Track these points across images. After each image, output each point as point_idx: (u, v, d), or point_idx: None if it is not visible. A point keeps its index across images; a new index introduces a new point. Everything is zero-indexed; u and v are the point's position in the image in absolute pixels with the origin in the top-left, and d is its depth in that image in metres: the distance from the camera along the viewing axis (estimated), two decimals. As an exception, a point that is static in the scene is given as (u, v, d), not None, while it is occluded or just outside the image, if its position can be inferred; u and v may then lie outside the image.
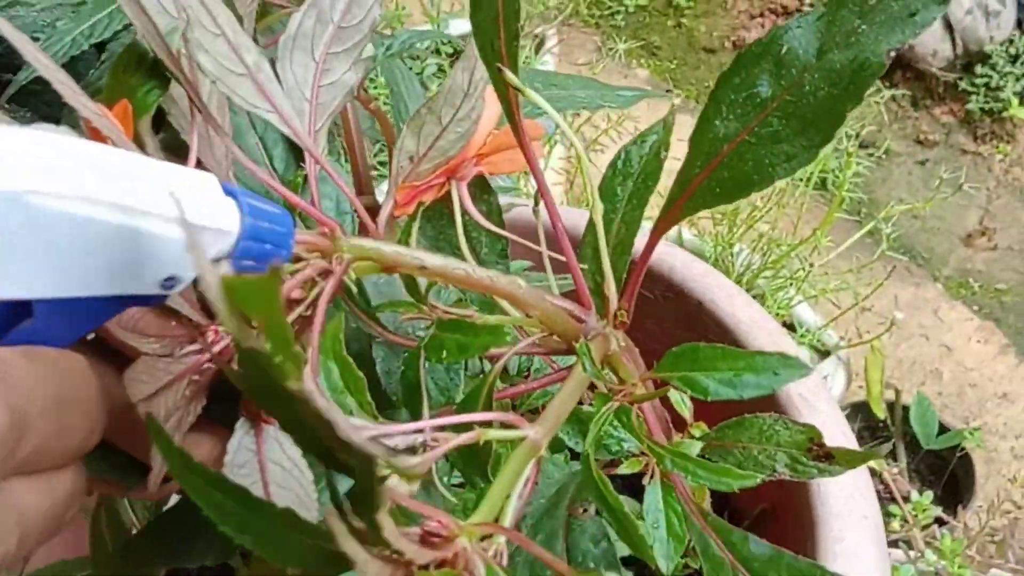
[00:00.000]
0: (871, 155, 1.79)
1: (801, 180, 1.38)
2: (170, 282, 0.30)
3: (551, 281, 0.47)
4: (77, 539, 0.49)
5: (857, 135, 1.41)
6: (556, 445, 0.48)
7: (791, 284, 1.33)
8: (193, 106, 0.38)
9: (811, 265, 1.31)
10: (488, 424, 0.34)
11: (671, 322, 0.66)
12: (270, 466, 0.37)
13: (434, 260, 0.38)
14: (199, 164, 0.39)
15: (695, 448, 0.42)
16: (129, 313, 0.38)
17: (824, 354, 1.38)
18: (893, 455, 1.33)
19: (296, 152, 0.48)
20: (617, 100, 0.61)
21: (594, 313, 0.42)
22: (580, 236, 0.48)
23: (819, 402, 0.56)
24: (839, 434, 0.56)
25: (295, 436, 0.29)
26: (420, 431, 0.33)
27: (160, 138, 0.42)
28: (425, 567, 0.26)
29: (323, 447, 0.26)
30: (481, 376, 0.43)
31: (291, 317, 0.37)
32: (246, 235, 0.31)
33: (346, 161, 0.57)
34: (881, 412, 1.31)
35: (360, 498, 0.25)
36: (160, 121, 0.41)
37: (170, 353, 0.37)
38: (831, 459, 0.42)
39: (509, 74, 0.42)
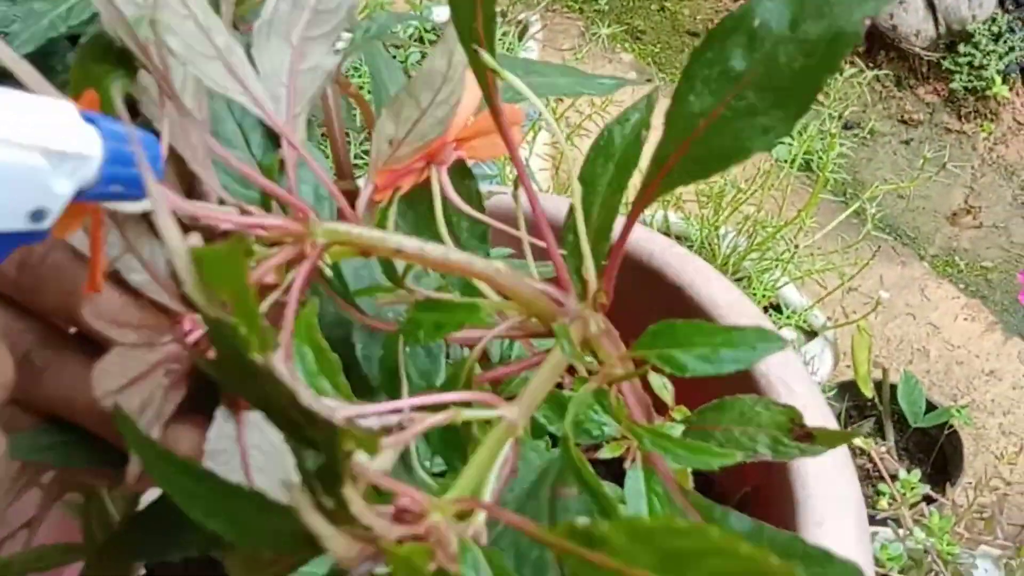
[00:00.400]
0: (856, 136, 1.79)
1: (786, 162, 1.38)
2: (39, 215, 0.30)
3: (531, 267, 0.47)
4: (61, 531, 0.48)
5: (840, 116, 1.41)
6: (537, 432, 0.48)
7: (777, 266, 1.33)
8: (163, 94, 0.38)
9: (796, 247, 1.32)
10: (465, 405, 0.34)
11: (652, 308, 0.65)
12: (251, 452, 0.36)
13: (410, 243, 0.38)
14: (171, 151, 0.39)
15: (677, 431, 0.42)
16: (108, 303, 0.38)
17: (811, 335, 1.38)
18: (881, 434, 1.33)
19: (274, 138, 0.47)
20: (597, 88, 0.61)
21: (574, 295, 0.42)
22: (563, 222, 0.48)
23: (799, 385, 0.56)
24: (819, 416, 0.56)
25: (264, 412, 0.29)
26: (396, 411, 0.33)
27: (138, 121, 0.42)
28: (396, 543, 0.26)
29: (291, 422, 0.26)
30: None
31: (266, 303, 0.37)
32: (110, 159, 0.31)
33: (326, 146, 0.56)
34: (869, 391, 1.31)
35: (326, 473, 0.25)
36: (133, 111, 0.40)
37: (149, 343, 0.37)
38: (812, 439, 0.42)
39: (486, 55, 0.41)
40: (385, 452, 0.30)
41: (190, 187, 0.40)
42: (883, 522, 1.07)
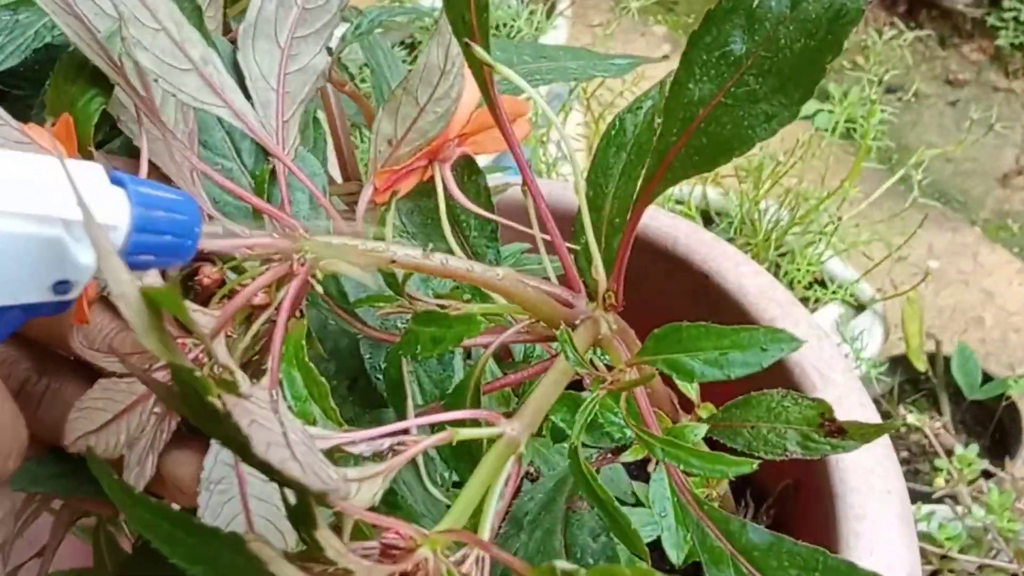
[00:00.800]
0: (899, 99, 1.74)
1: (826, 131, 1.34)
2: (63, 286, 0.28)
3: (545, 263, 0.45)
4: (77, 557, 0.48)
5: (881, 80, 1.36)
6: (559, 435, 0.47)
7: (821, 239, 1.29)
8: (139, 111, 0.37)
9: (839, 218, 1.28)
10: (462, 423, 0.33)
11: (678, 298, 0.63)
12: (249, 479, 0.35)
13: (405, 252, 0.37)
14: (153, 168, 0.38)
15: (701, 431, 0.40)
16: (99, 332, 0.37)
17: (859, 309, 1.35)
18: (936, 408, 1.30)
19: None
20: (610, 69, 0.59)
21: (583, 296, 0.40)
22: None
23: (834, 373, 0.53)
24: (857, 406, 0.53)
25: (235, 453, 0.27)
26: (393, 434, 0.32)
27: (117, 145, 0.41)
28: None
29: (261, 464, 0.24)
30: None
31: (256, 325, 0.36)
32: (137, 227, 0.29)
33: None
34: (922, 364, 1.27)
35: (298, 517, 0.24)
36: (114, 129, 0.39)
37: (147, 368, 0.36)
38: (844, 434, 0.39)
39: (478, 49, 0.40)
40: (373, 482, 0.29)
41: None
42: (940, 500, 1.04)
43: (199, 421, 0.25)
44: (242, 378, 0.31)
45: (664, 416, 0.42)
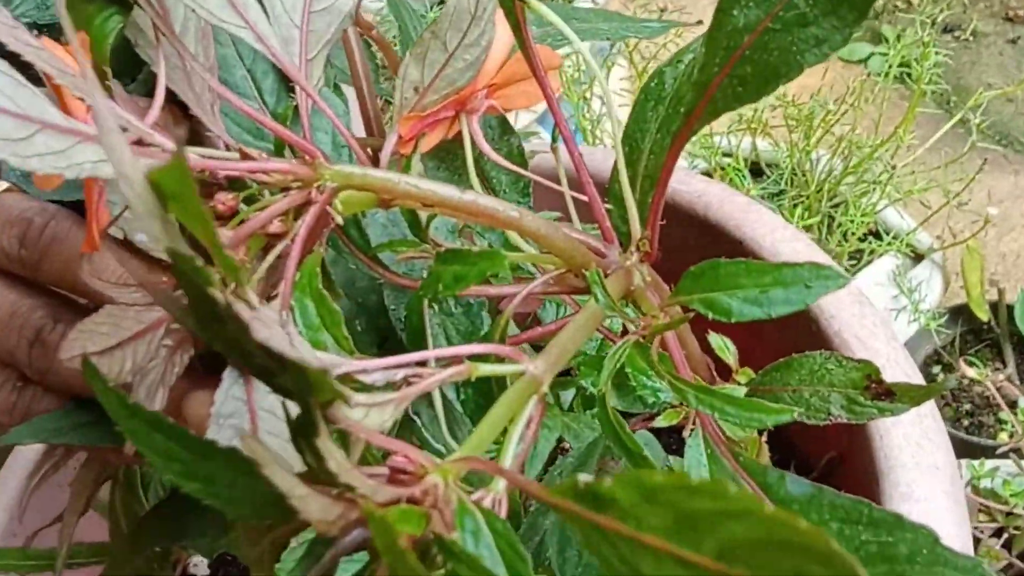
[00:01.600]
0: (956, 39, 1.68)
1: (880, 75, 1.30)
2: None
3: (576, 224, 0.44)
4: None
5: (935, 21, 1.31)
6: (589, 402, 0.45)
7: (875, 188, 1.25)
8: (158, 32, 0.35)
9: (894, 166, 1.23)
10: (484, 360, 0.31)
11: None
12: (261, 414, 0.34)
13: (430, 186, 0.35)
14: (171, 96, 0.36)
15: (739, 392, 0.39)
16: (108, 262, 0.36)
17: (917, 259, 1.31)
18: (1000, 359, 1.26)
19: (289, 86, 0.44)
20: (643, 31, 0.57)
21: (616, 246, 0.38)
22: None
23: (877, 342, 0.51)
24: (901, 374, 0.50)
25: (239, 359, 0.26)
26: (408, 365, 0.30)
27: (141, 77, 0.40)
28: (379, 506, 0.23)
29: (265, 369, 0.23)
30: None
31: (273, 253, 0.34)
32: None
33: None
34: (984, 314, 1.23)
35: (301, 424, 0.22)
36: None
37: (151, 303, 0.34)
38: (892, 396, 0.37)
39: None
40: (383, 408, 0.27)
41: (194, 135, 0.38)
42: (1005, 455, 1.00)
43: (201, 323, 0.23)
44: (251, 289, 0.29)
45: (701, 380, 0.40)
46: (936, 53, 1.21)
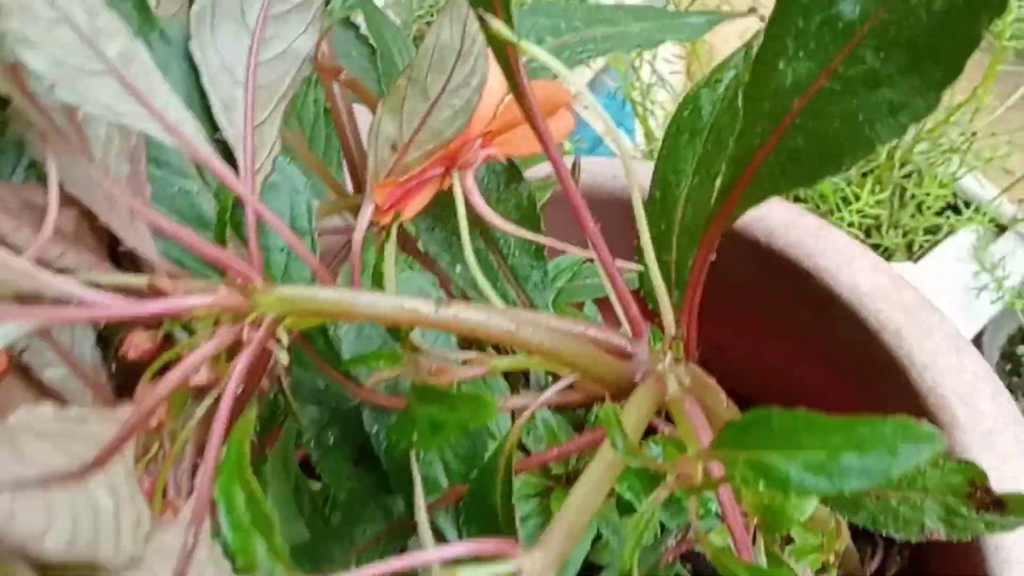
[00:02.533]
0: (1041, -12, 1.54)
1: (956, 32, 1.18)
2: None
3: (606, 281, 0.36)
4: None
5: (1017, -29, 1.19)
6: (627, 507, 0.37)
7: (952, 155, 1.15)
8: (46, 130, 0.28)
9: (973, 134, 1.13)
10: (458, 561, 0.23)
11: (776, 301, 0.51)
12: None
13: (395, 301, 0.27)
14: (72, 201, 0.29)
15: (808, 508, 0.31)
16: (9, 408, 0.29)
17: (1000, 230, 1.20)
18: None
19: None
20: (683, 31, 0.48)
21: (645, 342, 0.30)
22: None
23: (982, 400, 0.41)
24: (1014, 443, 0.40)
25: None
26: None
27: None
28: None
29: None
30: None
31: (201, 409, 0.27)
32: None
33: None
34: (1079, 291, 1.13)
35: None
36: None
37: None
38: (1001, 508, 0.30)
39: (497, 24, 0.29)
40: None
41: (111, 247, 0.31)
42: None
43: None
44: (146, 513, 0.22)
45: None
46: (1019, 6, 1.10)
